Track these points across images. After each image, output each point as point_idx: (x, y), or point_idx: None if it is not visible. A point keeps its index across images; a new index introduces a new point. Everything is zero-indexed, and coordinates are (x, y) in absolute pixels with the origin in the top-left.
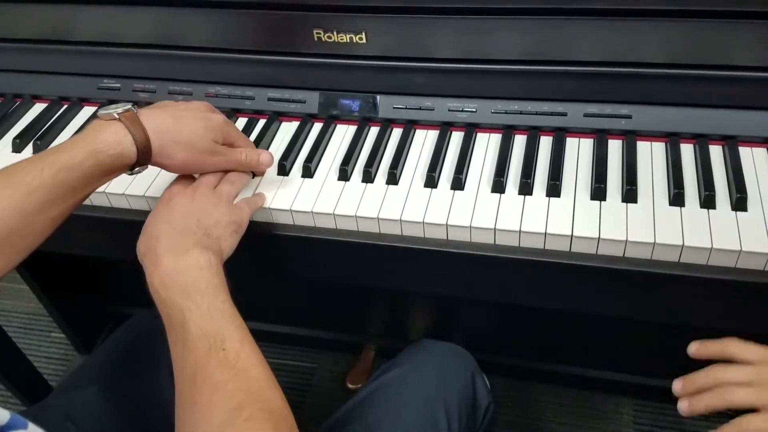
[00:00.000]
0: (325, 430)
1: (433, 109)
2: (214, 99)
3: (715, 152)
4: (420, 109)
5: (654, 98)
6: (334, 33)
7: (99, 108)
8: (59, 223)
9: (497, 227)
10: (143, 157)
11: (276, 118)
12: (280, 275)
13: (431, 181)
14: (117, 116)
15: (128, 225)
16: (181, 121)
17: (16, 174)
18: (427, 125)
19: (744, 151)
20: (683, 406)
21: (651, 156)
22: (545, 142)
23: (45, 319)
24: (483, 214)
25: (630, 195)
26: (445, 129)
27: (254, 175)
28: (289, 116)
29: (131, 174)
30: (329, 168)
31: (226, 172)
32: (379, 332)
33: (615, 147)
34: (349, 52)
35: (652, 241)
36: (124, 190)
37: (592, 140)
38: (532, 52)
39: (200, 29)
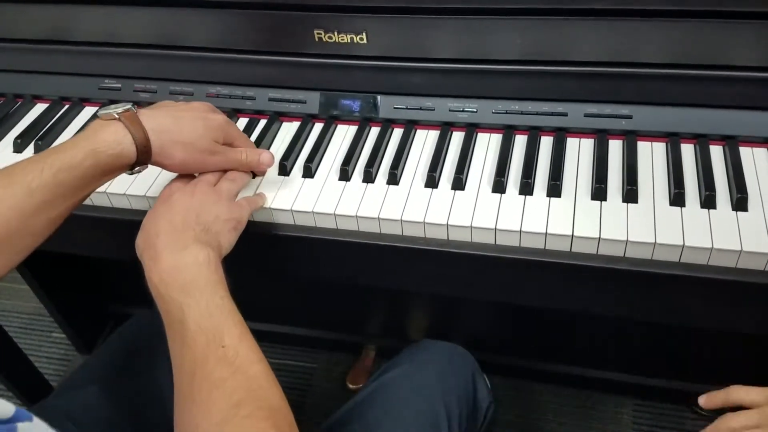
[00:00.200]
0: (325, 430)
1: (434, 110)
2: (215, 99)
3: (716, 152)
4: (420, 109)
5: (654, 98)
6: (335, 33)
7: (99, 108)
8: (59, 224)
9: (498, 227)
10: (143, 157)
11: (277, 118)
12: (281, 275)
13: (432, 181)
14: (117, 116)
15: (129, 225)
16: (180, 121)
17: (16, 174)
18: (428, 125)
19: (744, 151)
20: None
21: (651, 156)
22: (546, 142)
23: (46, 319)
24: (484, 214)
25: (630, 195)
26: (445, 129)
27: (255, 175)
28: (289, 116)
29: (131, 174)
30: (330, 168)
31: (226, 171)
32: (379, 332)
33: (615, 147)
34: (349, 53)
35: (653, 241)
36: (126, 190)
37: (592, 140)
38: (533, 52)
39: (201, 29)
